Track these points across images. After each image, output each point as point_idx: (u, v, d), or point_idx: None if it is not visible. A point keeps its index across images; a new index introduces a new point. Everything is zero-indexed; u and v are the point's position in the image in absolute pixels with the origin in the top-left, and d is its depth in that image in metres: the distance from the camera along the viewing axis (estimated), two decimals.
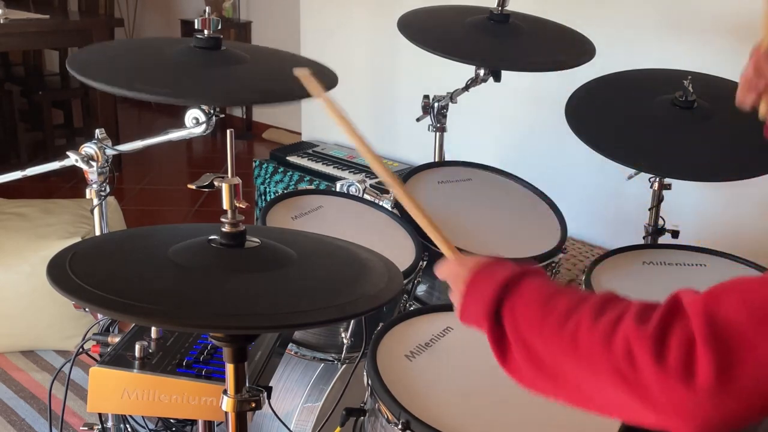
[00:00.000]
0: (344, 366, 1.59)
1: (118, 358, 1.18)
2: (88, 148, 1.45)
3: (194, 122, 1.41)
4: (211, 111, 1.40)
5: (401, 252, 1.60)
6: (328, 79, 1.45)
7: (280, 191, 3.10)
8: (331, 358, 1.56)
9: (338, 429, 1.22)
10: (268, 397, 1.01)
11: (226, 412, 0.96)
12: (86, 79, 1.30)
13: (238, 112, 5.26)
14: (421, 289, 1.70)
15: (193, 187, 0.98)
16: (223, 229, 0.96)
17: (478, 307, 0.86)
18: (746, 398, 0.63)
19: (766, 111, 1.21)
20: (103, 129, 1.49)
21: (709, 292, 0.67)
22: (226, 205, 0.95)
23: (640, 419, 0.69)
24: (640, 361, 0.66)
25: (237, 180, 0.97)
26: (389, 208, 1.77)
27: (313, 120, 3.53)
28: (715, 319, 0.64)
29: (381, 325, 1.30)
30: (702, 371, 0.62)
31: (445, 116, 2.04)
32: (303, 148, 3.29)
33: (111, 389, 1.15)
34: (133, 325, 1.27)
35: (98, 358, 1.25)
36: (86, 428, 1.48)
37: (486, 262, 0.90)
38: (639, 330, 0.67)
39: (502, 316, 0.82)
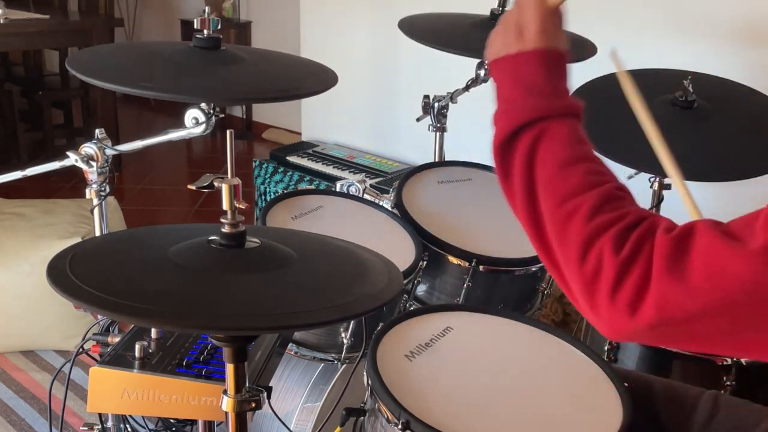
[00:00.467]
0: (344, 366, 1.59)
1: (118, 358, 1.18)
2: (88, 148, 1.45)
3: (194, 122, 1.41)
4: (211, 111, 1.40)
5: (401, 252, 1.60)
6: (327, 78, 1.45)
7: (280, 191, 3.10)
8: (331, 358, 1.56)
9: (338, 429, 1.22)
10: (268, 397, 1.01)
11: (226, 412, 0.96)
12: (87, 77, 1.29)
13: (237, 112, 5.26)
14: (421, 289, 1.70)
15: (193, 187, 0.98)
16: (223, 230, 0.96)
17: (505, 110, 0.86)
18: (672, 338, 0.75)
19: None
20: (103, 129, 1.49)
21: (678, 236, 0.73)
22: (225, 205, 0.95)
23: (579, 306, 0.78)
24: (601, 285, 0.74)
25: (237, 180, 0.97)
26: (389, 208, 1.77)
27: (313, 120, 3.53)
28: (674, 268, 0.70)
29: (381, 325, 1.30)
30: (643, 315, 0.71)
31: (445, 116, 2.04)
32: (303, 148, 3.29)
33: (111, 389, 1.15)
34: (133, 325, 1.27)
35: (98, 358, 1.25)
36: (86, 428, 1.48)
37: (554, 52, 0.87)
38: (612, 255, 0.74)
39: (516, 143, 0.84)
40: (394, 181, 2.22)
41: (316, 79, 1.46)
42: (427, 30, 1.86)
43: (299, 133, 3.70)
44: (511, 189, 0.85)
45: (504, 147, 0.85)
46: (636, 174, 1.71)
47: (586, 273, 0.75)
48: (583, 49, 1.90)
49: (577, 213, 0.78)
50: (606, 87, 1.79)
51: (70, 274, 0.87)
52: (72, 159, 1.45)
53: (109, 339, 1.26)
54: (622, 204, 0.79)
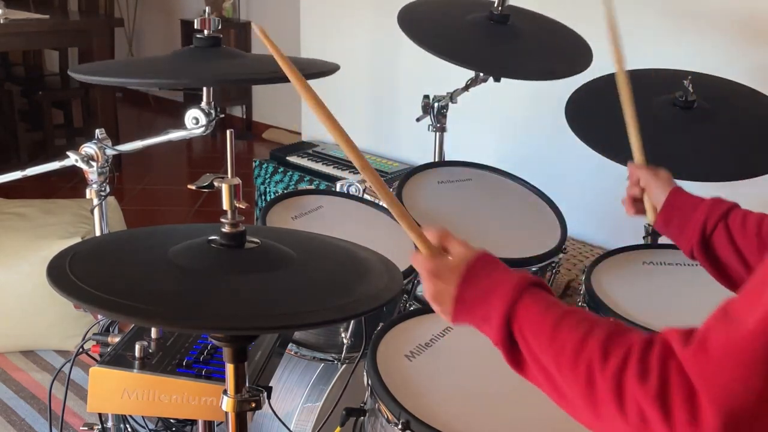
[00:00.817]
0: (344, 366, 1.59)
1: (118, 358, 1.18)
2: (88, 148, 1.45)
3: (194, 122, 1.40)
4: (211, 111, 1.40)
5: (401, 252, 1.59)
6: (328, 69, 1.45)
7: (280, 191, 3.10)
8: (331, 358, 1.56)
9: (338, 429, 1.22)
10: (268, 397, 1.01)
11: (226, 412, 0.96)
12: (88, 76, 1.30)
13: (238, 112, 5.26)
14: (421, 289, 1.70)
15: (193, 187, 0.98)
16: (223, 230, 0.96)
17: (484, 324, 0.88)
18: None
19: (652, 217, 1.32)
20: (103, 129, 1.49)
21: (698, 345, 0.69)
22: (226, 205, 0.95)
23: None
24: (652, 421, 0.70)
25: (237, 180, 0.97)
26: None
27: (314, 120, 3.52)
28: (709, 376, 0.68)
29: (381, 325, 1.30)
30: (707, 421, 0.67)
31: (445, 116, 2.04)
32: (303, 148, 3.29)
33: (111, 389, 1.15)
34: (133, 325, 1.27)
35: (98, 358, 1.25)
36: (86, 428, 1.48)
37: (471, 272, 0.89)
38: (644, 390, 0.70)
39: (515, 338, 0.84)
40: (394, 181, 2.22)
41: (317, 65, 1.46)
42: (427, 32, 1.86)
43: (299, 133, 3.70)
44: (535, 380, 0.85)
45: (508, 351, 0.86)
46: None
47: (633, 424, 0.72)
48: (583, 50, 1.91)
49: (592, 369, 0.76)
50: (606, 87, 1.79)
51: (70, 274, 0.87)
52: (72, 159, 1.45)
53: (109, 339, 1.27)
54: (623, 336, 0.77)
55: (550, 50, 1.95)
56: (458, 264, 0.90)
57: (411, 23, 1.83)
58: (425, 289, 0.94)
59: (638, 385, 0.71)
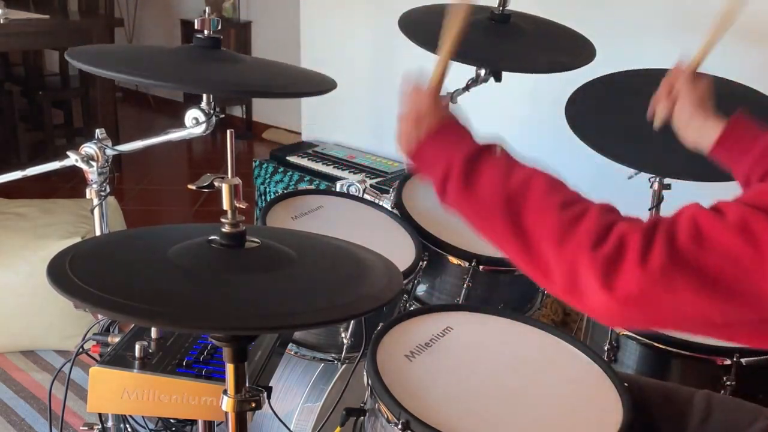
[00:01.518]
0: (344, 366, 1.59)
1: (118, 358, 1.18)
2: (88, 148, 1.44)
3: (194, 122, 1.40)
4: (211, 111, 1.40)
5: (401, 252, 1.60)
6: (326, 84, 1.46)
7: (280, 191, 3.10)
8: (331, 358, 1.56)
9: (338, 429, 1.22)
10: (268, 397, 1.01)
11: (226, 412, 0.96)
12: (86, 65, 1.29)
13: (237, 112, 5.26)
14: (421, 289, 1.70)
15: (193, 187, 0.97)
16: (223, 230, 0.96)
17: (454, 147, 1.03)
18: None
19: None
20: (103, 129, 1.48)
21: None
22: (226, 205, 0.95)
23: (590, 290, 0.85)
24: (628, 256, 0.83)
25: (237, 180, 0.96)
26: (389, 208, 1.77)
27: (313, 120, 3.53)
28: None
29: (381, 325, 1.30)
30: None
31: None
32: (303, 148, 3.29)
33: (111, 389, 1.15)
34: (134, 324, 1.27)
35: (98, 358, 1.25)
36: (86, 428, 1.48)
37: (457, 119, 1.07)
38: (632, 230, 0.86)
39: (479, 164, 1.00)
40: (394, 181, 2.22)
41: (316, 81, 1.46)
42: (427, 33, 1.86)
43: (299, 133, 3.70)
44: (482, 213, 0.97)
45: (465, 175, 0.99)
46: (636, 174, 1.71)
47: (605, 253, 0.83)
48: (583, 50, 1.90)
49: (585, 214, 0.93)
50: (606, 87, 1.79)
51: (70, 273, 0.87)
52: (72, 159, 1.44)
53: (109, 339, 1.26)
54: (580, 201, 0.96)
55: (552, 45, 1.95)
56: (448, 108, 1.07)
57: (411, 26, 1.84)
58: (409, 102, 1.09)
59: (630, 227, 0.86)
